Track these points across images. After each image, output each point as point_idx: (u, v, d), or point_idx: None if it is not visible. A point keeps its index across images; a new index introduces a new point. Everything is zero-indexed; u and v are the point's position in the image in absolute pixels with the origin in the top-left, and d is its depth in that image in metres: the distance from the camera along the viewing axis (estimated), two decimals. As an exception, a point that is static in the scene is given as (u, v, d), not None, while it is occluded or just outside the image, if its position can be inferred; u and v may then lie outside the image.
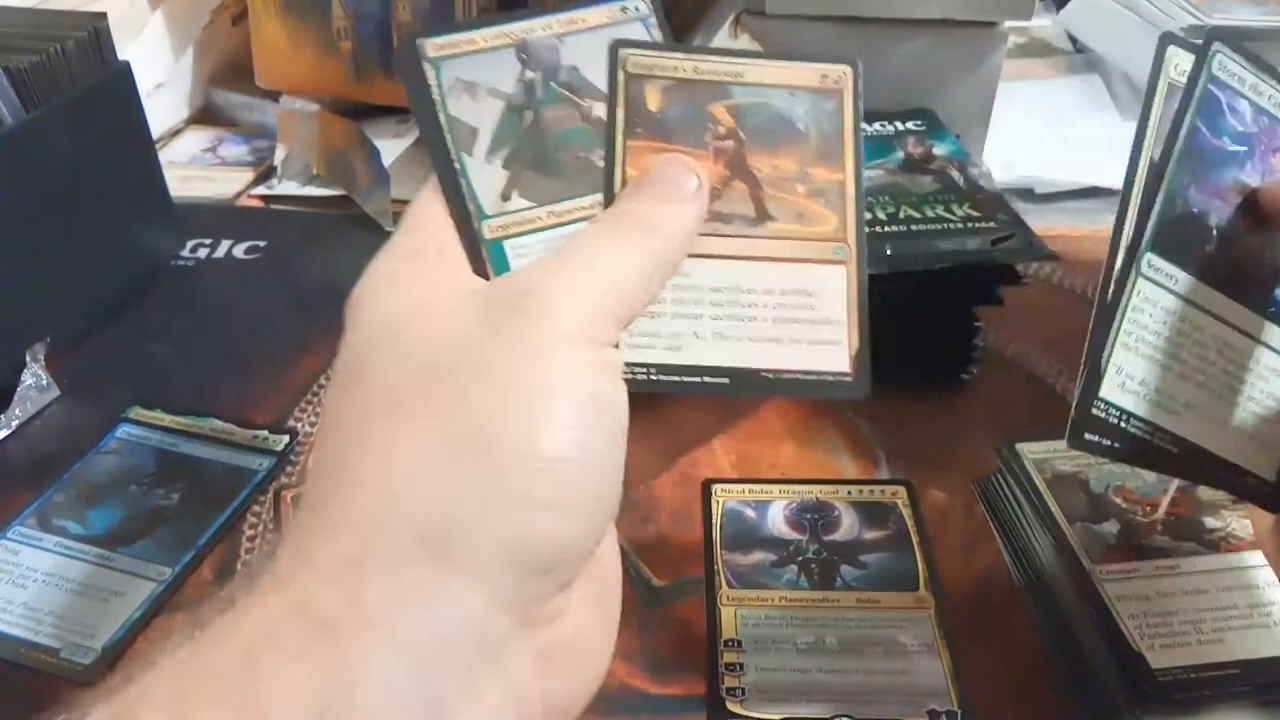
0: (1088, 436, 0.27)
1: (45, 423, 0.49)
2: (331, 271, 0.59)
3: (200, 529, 0.42)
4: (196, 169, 0.71)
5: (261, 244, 0.62)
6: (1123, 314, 0.27)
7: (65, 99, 0.50)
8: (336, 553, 0.20)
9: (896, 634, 0.37)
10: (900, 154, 0.55)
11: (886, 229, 0.47)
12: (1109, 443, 0.27)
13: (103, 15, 0.53)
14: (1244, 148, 0.27)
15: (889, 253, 0.45)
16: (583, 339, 0.23)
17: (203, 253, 0.61)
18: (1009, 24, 0.61)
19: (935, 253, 0.46)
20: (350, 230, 0.63)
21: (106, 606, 0.39)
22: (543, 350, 0.22)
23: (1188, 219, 0.27)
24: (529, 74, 0.28)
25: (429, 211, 0.27)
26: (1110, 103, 0.77)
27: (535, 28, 0.29)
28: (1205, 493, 0.39)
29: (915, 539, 0.41)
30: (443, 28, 0.29)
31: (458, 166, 0.28)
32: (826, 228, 0.28)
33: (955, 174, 0.52)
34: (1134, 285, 0.27)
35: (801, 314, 0.27)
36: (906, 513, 0.42)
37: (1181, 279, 0.27)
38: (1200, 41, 0.27)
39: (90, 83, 0.52)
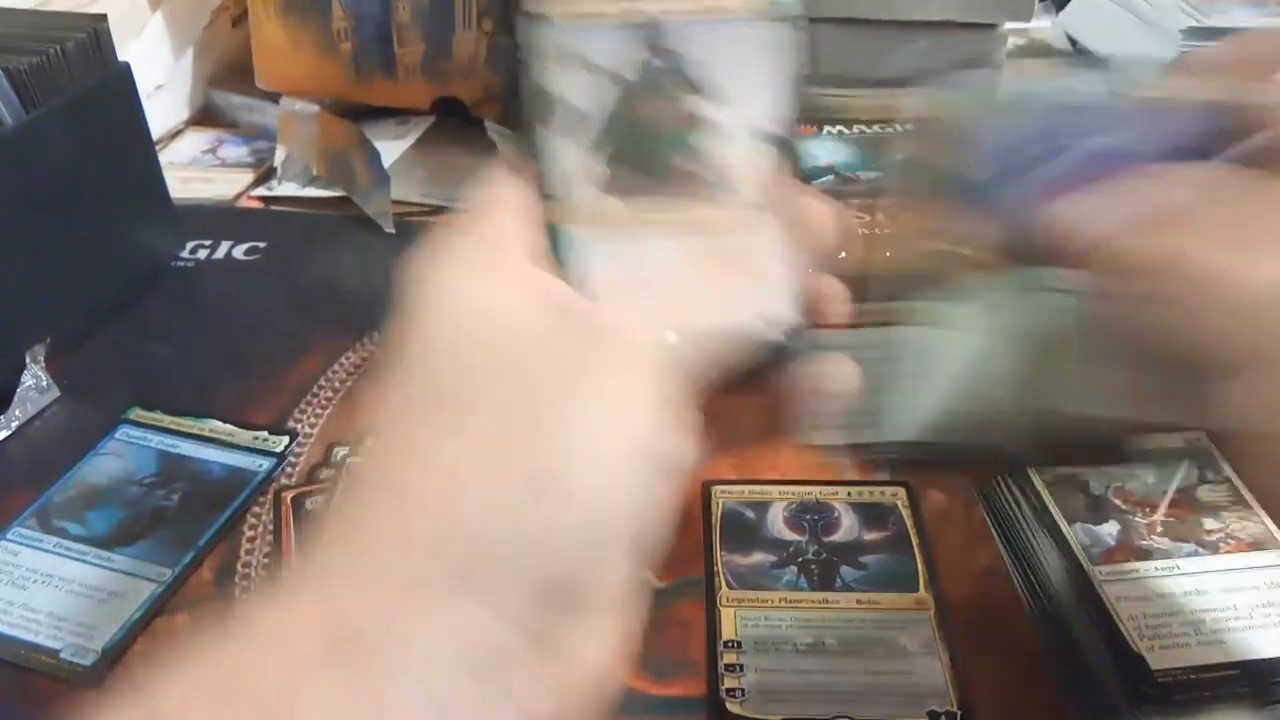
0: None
1: (45, 423, 0.49)
2: (331, 272, 0.59)
3: (200, 530, 0.42)
4: (197, 170, 0.71)
5: (261, 245, 0.62)
6: None
7: (65, 100, 0.50)
8: (381, 573, 0.20)
9: (896, 635, 0.37)
10: (900, 156, 0.55)
11: (886, 231, 0.47)
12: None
13: (103, 16, 0.53)
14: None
15: (888, 254, 0.45)
16: (665, 399, 0.22)
17: (203, 254, 0.61)
18: (1009, 26, 0.61)
19: (935, 254, 0.46)
20: (350, 231, 0.63)
21: (106, 607, 0.39)
22: (621, 404, 0.21)
23: None
24: (650, 59, 0.26)
25: (511, 191, 0.25)
26: (1110, 104, 0.77)
27: (668, 7, 0.26)
28: (1204, 494, 0.39)
29: (915, 540, 0.41)
30: None
31: (547, 144, 0.25)
32: None
33: (955, 175, 0.52)
34: None
35: None
36: (906, 514, 0.42)
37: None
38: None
39: (90, 83, 0.52)
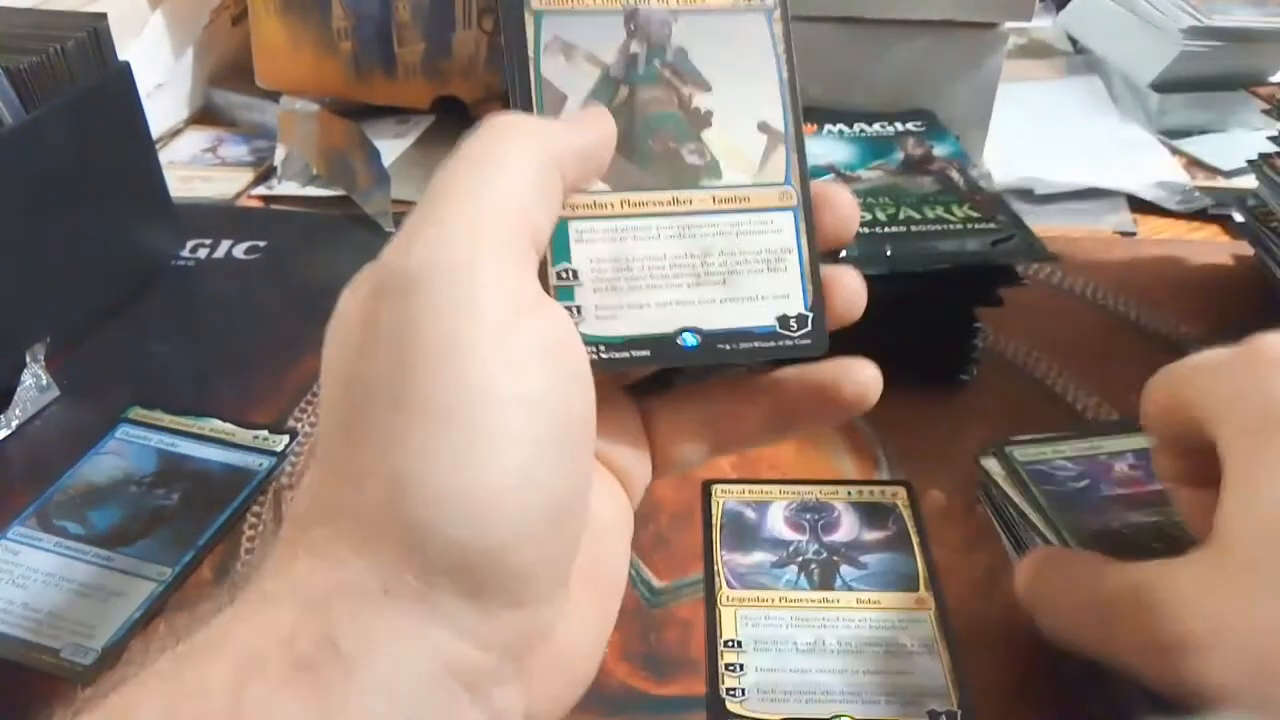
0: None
1: (45, 423, 0.49)
2: (331, 271, 0.59)
3: (200, 529, 0.42)
4: (196, 169, 0.71)
5: (261, 244, 0.62)
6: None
7: (65, 99, 0.50)
8: (318, 581, 0.20)
9: (896, 634, 0.37)
10: (900, 155, 0.55)
11: (886, 230, 0.47)
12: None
13: (103, 15, 0.53)
14: None
15: (888, 254, 0.45)
16: (512, 322, 0.21)
17: (203, 253, 0.61)
18: (1009, 25, 0.61)
19: (935, 254, 0.46)
20: (350, 230, 0.63)
21: (106, 606, 0.39)
22: (470, 364, 0.20)
23: None
24: (634, 47, 0.26)
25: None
26: (1110, 104, 0.77)
27: None
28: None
29: (915, 539, 0.41)
30: None
31: None
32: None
33: (955, 175, 0.52)
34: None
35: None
36: (906, 513, 0.42)
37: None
38: None
39: (90, 83, 0.52)
